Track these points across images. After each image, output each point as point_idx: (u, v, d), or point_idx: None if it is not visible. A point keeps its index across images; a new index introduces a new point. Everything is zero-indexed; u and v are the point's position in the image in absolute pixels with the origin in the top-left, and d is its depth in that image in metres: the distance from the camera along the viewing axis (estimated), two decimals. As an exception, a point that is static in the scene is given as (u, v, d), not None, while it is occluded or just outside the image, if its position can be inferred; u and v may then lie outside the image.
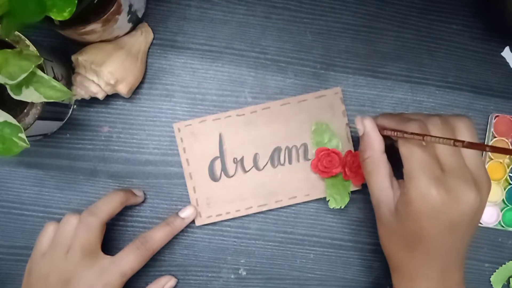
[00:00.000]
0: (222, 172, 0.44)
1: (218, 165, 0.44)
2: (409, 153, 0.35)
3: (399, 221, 0.36)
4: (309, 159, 0.44)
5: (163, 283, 0.44)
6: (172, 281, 0.44)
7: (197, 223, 0.44)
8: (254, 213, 0.45)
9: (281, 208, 0.45)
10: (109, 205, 0.41)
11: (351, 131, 0.45)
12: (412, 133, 0.35)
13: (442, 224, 0.34)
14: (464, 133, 0.35)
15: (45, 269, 0.39)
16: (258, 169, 0.44)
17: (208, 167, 0.44)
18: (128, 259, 0.39)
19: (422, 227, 0.34)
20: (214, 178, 0.44)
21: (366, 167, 0.38)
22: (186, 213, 0.43)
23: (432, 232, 0.34)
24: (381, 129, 0.39)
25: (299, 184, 0.44)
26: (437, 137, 0.33)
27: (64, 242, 0.39)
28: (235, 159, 0.44)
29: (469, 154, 0.35)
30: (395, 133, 0.36)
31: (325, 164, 0.43)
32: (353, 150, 0.44)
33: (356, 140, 0.45)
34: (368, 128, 0.38)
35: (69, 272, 0.38)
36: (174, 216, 0.43)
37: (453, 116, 0.37)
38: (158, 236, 0.41)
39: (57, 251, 0.39)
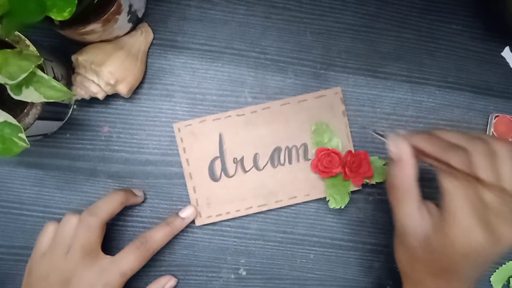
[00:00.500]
0: (222, 172, 0.44)
1: (218, 165, 0.44)
2: (453, 188, 0.33)
3: (428, 251, 0.34)
4: (309, 159, 0.44)
5: (163, 283, 0.44)
6: (172, 281, 0.44)
7: (197, 223, 0.44)
8: (254, 213, 0.45)
9: (281, 208, 0.45)
10: (109, 205, 0.41)
11: (351, 131, 0.45)
12: (457, 169, 0.32)
13: (478, 263, 0.33)
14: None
15: (45, 269, 0.39)
16: (258, 169, 0.44)
17: (208, 167, 0.44)
18: (128, 259, 0.39)
19: (455, 262, 0.33)
20: (214, 178, 0.44)
21: (395, 193, 0.36)
22: (186, 213, 0.43)
23: (464, 268, 0.33)
24: (416, 151, 0.36)
25: (299, 184, 0.44)
26: (485, 180, 0.32)
27: (64, 242, 0.39)
28: (235, 159, 0.44)
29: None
30: (437, 163, 0.34)
31: (325, 164, 0.43)
32: (353, 150, 0.44)
33: (356, 140, 0.45)
34: (405, 154, 0.35)
35: (69, 272, 0.38)
36: (174, 216, 0.43)
37: (498, 144, 0.34)
38: (158, 236, 0.41)
39: (57, 251, 0.39)
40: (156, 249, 0.41)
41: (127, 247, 0.40)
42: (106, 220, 0.40)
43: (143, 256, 0.40)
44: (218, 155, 0.44)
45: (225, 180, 0.44)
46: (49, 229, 0.41)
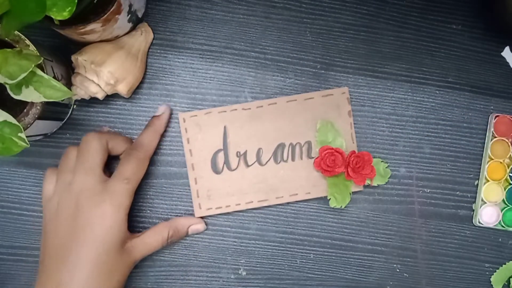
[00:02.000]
0: (225, 165, 0.44)
1: (221, 157, 0.44)
2: None
3: None
4: (312, 157, 0.44)
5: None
6: (199, 225, 0.44)
7: (196, 214, 0.44)
8: (254, 211, 0.45)
9: (281, 206, 0.45)
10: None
11: (355, 132, 0.45)
12: None
13: None
14: None
15: (53, 206, 0.39)
16: (260, 164, 0.44)
17: (210, 159, 0.44)
18: (127, 166, 0.40)
19: None
20: (216, 170, 0.44)
21: None
22: (160, 111, 0.44)
23: None
24: None
25: (300, 181, 0.44)
26: None
27: (67, 170, 0.40)
28: (238, 153, 0.44)
29: None
30: None
31: (328, 163, 0.43)
32: (356, 151, 0.44)
33: (358, 141, 0.45)
34: None
35: (76, 196, 0.39)
36: (151, 119, 0.43)
37: None
38: (146, 138, 0.42)
39: (62, 183, 0.39)
40: (149, 150, 0.42)
41: (122, 159, 0.41)
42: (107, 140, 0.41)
43: (140, 159, 0.41)
44: (222, 147, 0.44)
45: (227, 173, 0.44)
46: (51, 175, 0.41)
